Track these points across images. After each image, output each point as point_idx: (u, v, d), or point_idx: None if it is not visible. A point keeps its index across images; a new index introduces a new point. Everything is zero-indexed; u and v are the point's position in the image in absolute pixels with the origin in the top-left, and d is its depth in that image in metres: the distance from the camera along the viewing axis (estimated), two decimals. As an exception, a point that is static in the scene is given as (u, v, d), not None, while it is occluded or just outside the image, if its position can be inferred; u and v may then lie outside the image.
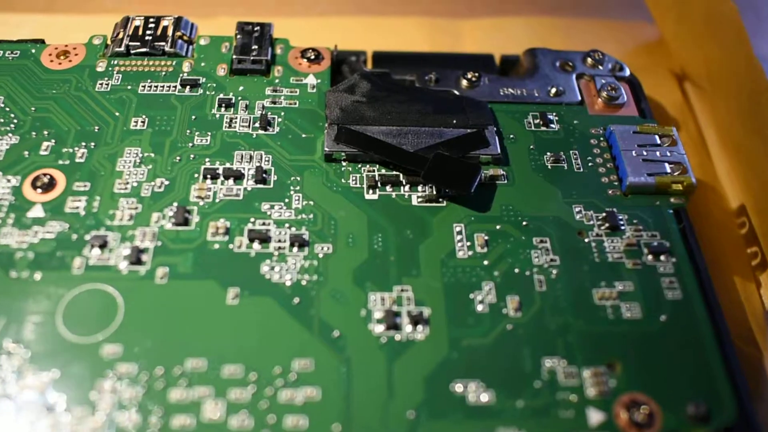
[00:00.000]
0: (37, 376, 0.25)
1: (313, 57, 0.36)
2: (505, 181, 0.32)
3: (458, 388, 0.26)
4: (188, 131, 0.32)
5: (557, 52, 0.37)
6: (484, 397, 0.26)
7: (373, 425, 0.25)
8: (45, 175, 0.30)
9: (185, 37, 0.36)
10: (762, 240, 0.35)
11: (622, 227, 0.30)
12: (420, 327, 0.27)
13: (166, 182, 0.31)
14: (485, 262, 0.29)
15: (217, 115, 0.33)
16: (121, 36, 0.36)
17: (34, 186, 0.30)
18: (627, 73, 0.37)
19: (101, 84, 0.34)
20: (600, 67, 0.37)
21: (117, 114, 0.33)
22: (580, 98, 0.35)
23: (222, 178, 0.31)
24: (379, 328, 0.27)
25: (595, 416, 0.26)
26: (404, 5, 0.48)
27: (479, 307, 0.28)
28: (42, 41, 0.36)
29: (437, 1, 0.49)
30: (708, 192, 0.38)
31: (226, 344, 0.26)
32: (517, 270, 0.29)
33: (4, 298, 0.27)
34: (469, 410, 0.25)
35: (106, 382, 0.25)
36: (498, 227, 0.30)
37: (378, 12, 0.47)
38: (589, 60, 0.37)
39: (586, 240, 0.30)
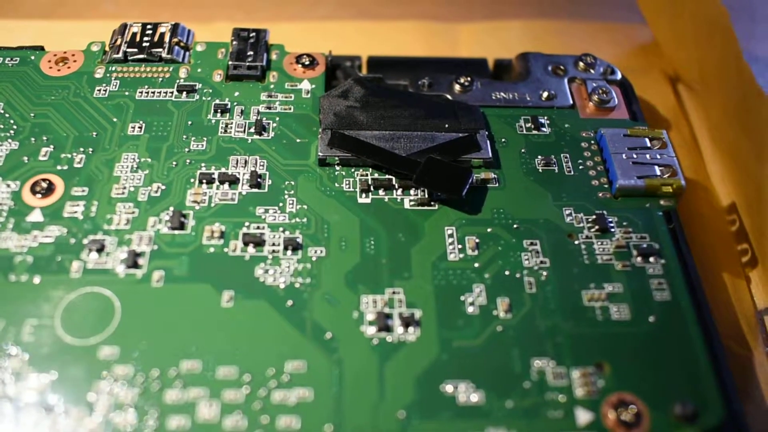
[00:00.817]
0: (36, 377, 0.26)
1: (307, 62, 0.36)
2: (497, 185, 0.32)
3: (449, 388, 0.26)
4: (184, 136, 0.33)
5: (549, 56, 0.38)
6: (474, 398, 0.26)
7: (365, 425, 0.25)
8: (44, 180, 0.31)
9: (182, 44, 0.36)
10: (752, 237, 0.35)
11: (612, 229, 0.31)
12: (411, 329, 0.28)
13: (163, 187, 0.31)
14: (476, 265, 0.29)
15: (213, 121, 0.34)
16: (118, 43, 0.36)
17: (33, 191, 0.31)
18: (618, 76, 0.37)
19: (99, 90, 0.35)
20: (591, 71, 0.37)
21: (114, 120, 0.33)
22: (571, 102, 0.36)
23: (217, 182, 0.31)
24: (370, 330, 0.28)
25: (583, 416, 0.26)
26: (400, 10, 0.49)
27: (470, 309, 0.28)
28: (41, 48, 0.37)
29: (433, 5, 0.49)
30: (700, 191, 0.38)
31: (221, 346, 0.27)
32: (507, 272, 0.29)
33: (3, 301, 0.28)
34: (460, 410, 0.26)
35: (104, 384, 0.26)
36: (489, 230, 0.31)
37: (374, 17, 0.48)
38: (581, 64, 0.37)
39: (576, 242, 0.30)
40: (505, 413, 0.26)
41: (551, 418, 0.26)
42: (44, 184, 0.31)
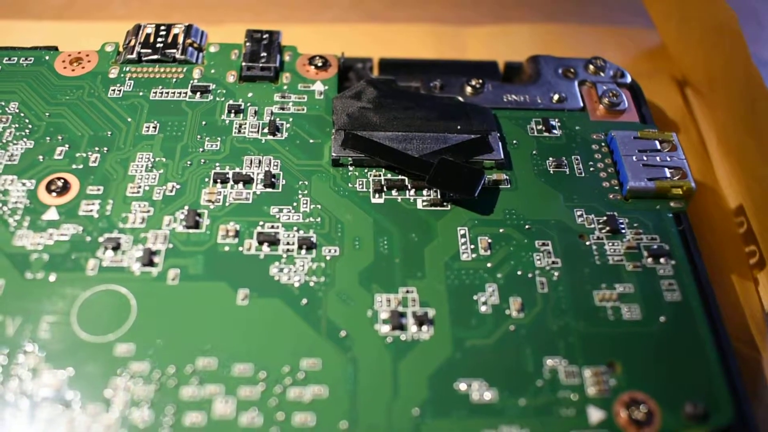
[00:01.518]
0: (53, 374, 0.26)
1: (320, 64, 0.37)
2: (508, 186, 0.32)
3: (462, 386, 0.27)
4: (199, 136, 0.33)
5: (559, 59, 0.38)
6: (488, 396, 0.26)
7: (379, 422, 0.26)
8: (59, 178, 0.31)
9: (195, 45, 0.37)
10: (760, 239, 0.35)
11: (623, 231, 0.31)
12: (425, 327, 0.28)
13: (178, 186, 0.31)
14: (488, 265, 0.30)
15: (227, 121, 0.34)
16: (132, 43, 0.36)
17: (48, 189, 0.31)
18: (628, 79, 0.37)
19: (113, 90, 0.35)
20: (601, 74, 0.37)
21: (129, 119, 0.34)
22: (581, 104, 0.36)
23: (232, 182, 0.32)
24: (384, 329, 0.28)
25: (595, 414, 0.26)
26: (410, 13, 0.49)
27: (482, 308, 0.28)
28: (55, 48, 0.37)
29: (443, 8, 0.50)
30: (708, 193, 0.39)
31: (236, 344, 0.27)
32: (519, 272, 0.30)
33: (20, 298, 0.28)
34: (473, 408, 0.26)
35: (120, 380, 0.26)
36: (501, 230, 0.31)
37: (384, 20, 0.48)
38: (591, 67, 0.37)
39: (587, 243, 0.31)
40: (518, 411, 0.26)
41: (564, 416, 0.26)
42: (59, 183, 0.31)
